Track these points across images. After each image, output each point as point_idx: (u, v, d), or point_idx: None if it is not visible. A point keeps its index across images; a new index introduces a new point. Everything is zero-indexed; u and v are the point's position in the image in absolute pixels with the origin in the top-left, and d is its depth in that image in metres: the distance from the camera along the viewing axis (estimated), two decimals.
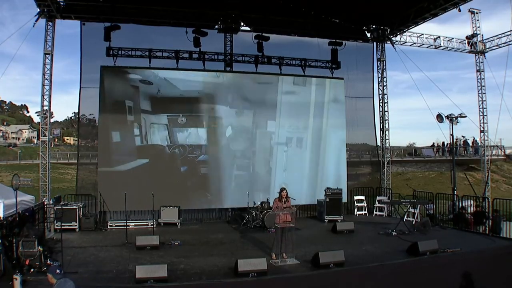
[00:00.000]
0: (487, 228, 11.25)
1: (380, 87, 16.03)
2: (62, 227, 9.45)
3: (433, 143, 33.35)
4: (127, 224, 10.73)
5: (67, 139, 66.32)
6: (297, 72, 15.03)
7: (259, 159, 14.34)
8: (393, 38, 15.67)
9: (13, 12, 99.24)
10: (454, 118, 12.68)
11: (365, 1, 13.43)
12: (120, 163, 12.92)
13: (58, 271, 4.83)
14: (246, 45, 14.45)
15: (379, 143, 16.10)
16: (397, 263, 8.09)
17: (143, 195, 11.21)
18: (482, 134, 17.22)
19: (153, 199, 10.46)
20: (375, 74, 16.07)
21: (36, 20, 12.22)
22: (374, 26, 15.83)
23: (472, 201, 12.77)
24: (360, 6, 13.75)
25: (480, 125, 17.11)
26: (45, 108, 12.65)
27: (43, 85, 12.50)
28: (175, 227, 12.08)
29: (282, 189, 8.58)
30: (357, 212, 14.57)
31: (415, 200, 12.88)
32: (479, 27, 16.91)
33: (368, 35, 16.04)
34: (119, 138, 13.03)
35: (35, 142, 58.06)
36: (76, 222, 11.33)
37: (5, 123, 70.02)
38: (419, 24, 14.86)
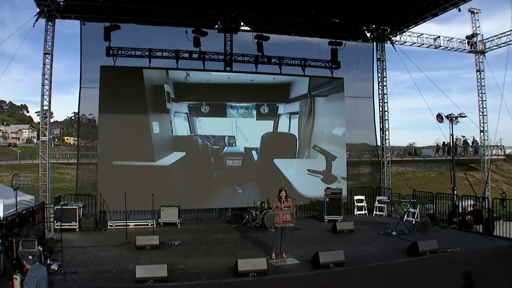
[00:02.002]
0: (479, 227, 11.31)
1: (380, 87, 16.04)
2: (62, 227, 9.43)
3: (436, 144, 33.31)
4: (127, 224, 10.73)
5: (67, 139, 66.36)
6: (297, 72, 15.03)
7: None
8: (393, 38, 15.67)
9: (13, 12, 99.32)
10: (454, 118, 12.67)
11: (365, 1, 13.43)
12: (160, 156, 13.21)
13: (30, 257, 5.61)
14: (246, 45, 14.45)
15: (379, 143, 16.10)
16: (397, 263, 8.08)
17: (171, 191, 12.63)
18: (482, 134, 17.22)
19: (153, 199, 10.46)
20: (375, 74, 16.10)
21: (36, 20, 12.22)
22: (374, 26, 15.83)
23: (472, 201, 12.77)
24: (360, 6, 13.75)
25: (480, 125, 17.10)
26: (45, 108, 12.65)
27: (43, 85, 12.50)
28: (175, 227, 12.08)
29: (281, 189, 8.55)
30: (357, 212, 14.57)
31: (415, 200, 12.87)
32: (479, 27, 16.91)
33: (368, 35, 16.04)
34: (158, 129, 13.23)
35: (35, 142, 58.09)
36: (76, 222, 11.33)
37: (5, 123, 70.05)
38: (419, 24, 14.86)
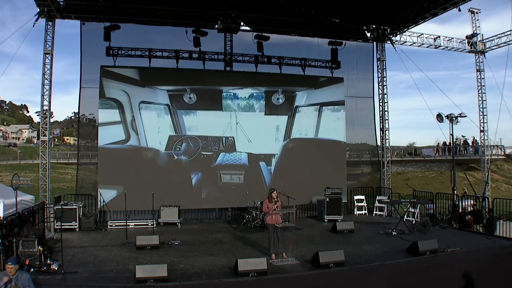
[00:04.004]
0: (480, 227, 11.30)
1: (380, 87, 16.03)
2: (62, 227, 9.42)
3: (438, 144, 33.27)
4: (127, 224, 10.73)
5: (67, 139, 66.38)
6: (297, 72, 15.02)
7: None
8: (393, 38, 15.66)
9: (14, 12, 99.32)
10: (454, 118, 12.67)
11: (365, 1, 13.42)
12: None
13: (9, 264, 5.57)
14: (246, 45, 14.42)
15: (379, 143, 16.09)
16: (397, 263, 8.08)
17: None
18: (482, 133, 17.22)
19: (153, 199, 10.47)
20: (375, 74, 16.08)
21: (36, 20, 12.21)
22: (374, 26, 15.81)
23: (472, 201, 12.76)
24: (360, 6, 13.74)
25: (480, 125, 17.10)
26: (45, 108, 12.64)
27: (43, 85, 12.50)
28: (175, 227, 12.07)
29: (272, 190, 8.52)
30: (357, 212, 14.56)
31: (415, 200, 12.88)
32: (479, 26, 16.91)
33: (368, 35, 16.04)
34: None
35: (35, 142, 58.12)
36: (76, 222, 11.33)
37: (5, 123, 70.01)
38: (419, 24, 14.85)
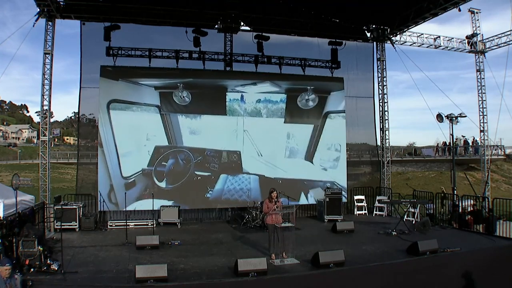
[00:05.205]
0: (480, 227, 11.30)
1: (380, 87, 16.03)
2: (62, 227, 9.43)
3: (437, 144, 33.28)
4: (127, 224, 10.73)
5: (67, 139, 66.36)
6: (297, 72, 15.01)
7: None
8: (393, 38, 15.66)
9: (14, 12, 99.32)
10: (454, 118, 12.66)
11: (365, 1, 13.42)
12: None
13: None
14: (246, 45, 14.41)
15: (379, 143, 16.08)
16: (397, 263, 8.08)
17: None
18: (482, 134, 17.23)
19: (153, 199, 10.46)
20: (375, 74, 16.07)
21: (36, 20, 12.21)
22: (374, 26, 15.81)
23: (471, 201, 12.76)
24: (360, 6, 13.73)
25: (480, 125, 17.10)
26: (45, 108, 12.64)
27: (43, 85, 12.49)
28: (175, 227, 12.06)
29: (272, 190, 8.51)
30: (357, 212, 14.55)
31: (415, 200, 12.87)
32: (479, 26, 16.91)
33: (368, 35, 16.03)
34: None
35: (35, 142, 58.12)
36: (76, 222, 11.33)
37: (5, 123, 69.99)
38: (419, 24, 14.85)
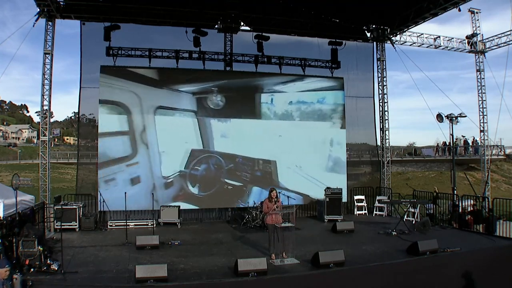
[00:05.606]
0: (479, 227, 11.31)
1: (380, 87, 16.04)
2: (62, 227, 9.43)
3: (437, 144, 33.27)
4: (127, 224, 10.73)
5: (67, 139, 66.37)
6: (297, 72, 15.02)
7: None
8: (393, 38, 15.66)
9: (14, 12, 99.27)
10: (454, 118, 12.65)
11: (365, 1, 13.42)
12: None
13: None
14: (246, 45, 14.42)
15: (379, 143, 16.09)
16: (397, 263, 8.08)
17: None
18: (482, 134, 17.24)
19: (153, 199, 10.45)
20: (375, 74, 16.09)
21: (36, 20, 12.22)
22: (374, 26, 15.81)
23: (472, 201, 12.76)
24: (360, 6, 13.73)
25: (480, 125, 17.11)
26: (45, 108, 12.65)
27: (43, 85, 12.50)
28: (175, 227, 12.06)
29: (272, 190, 8.51)
30: (357, 212, 14.55)
31: (415, 200, 12.87)
32: (479, 26, 16.92)
33: (368, 34, 16.04)
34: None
35: (35, 142, 58.12)
36: (76, 222, 11.33)
37: (5, 123, 69.99)
38: (419, 24, 14.85)
